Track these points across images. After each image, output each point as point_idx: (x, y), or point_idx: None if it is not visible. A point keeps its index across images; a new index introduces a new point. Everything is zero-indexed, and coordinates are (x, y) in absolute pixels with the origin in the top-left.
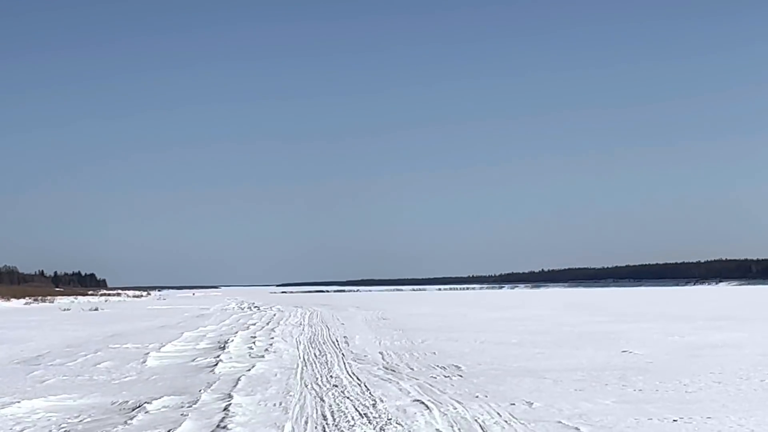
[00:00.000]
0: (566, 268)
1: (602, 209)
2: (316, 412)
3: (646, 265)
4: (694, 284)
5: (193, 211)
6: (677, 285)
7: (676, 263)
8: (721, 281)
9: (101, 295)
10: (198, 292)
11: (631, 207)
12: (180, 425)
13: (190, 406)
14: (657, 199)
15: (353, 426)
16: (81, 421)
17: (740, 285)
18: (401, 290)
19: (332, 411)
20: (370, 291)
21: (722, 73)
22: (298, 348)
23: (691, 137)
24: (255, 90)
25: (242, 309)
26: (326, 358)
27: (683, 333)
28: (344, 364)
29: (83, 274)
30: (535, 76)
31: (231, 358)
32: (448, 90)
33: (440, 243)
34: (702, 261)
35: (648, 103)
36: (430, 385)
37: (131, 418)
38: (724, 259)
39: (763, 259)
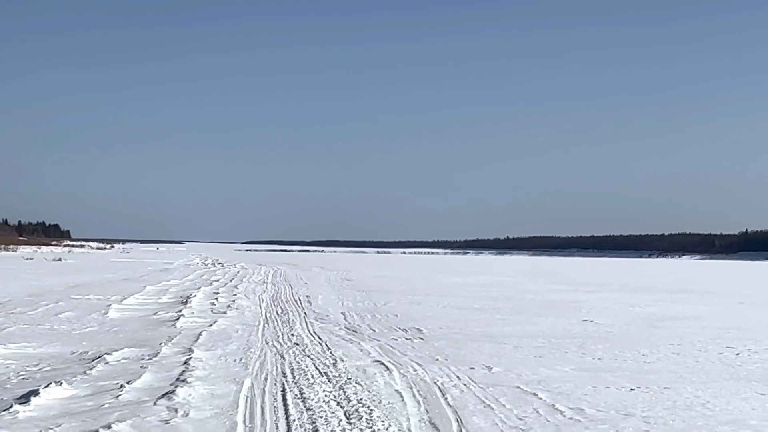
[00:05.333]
0: (531, 236)
1: (568, 179)
2: (276, 369)
3: (610, 236)
4: (657, 257)
5: (160, 165)
6: (640, 257)
7: (640, 235)
8: (684, 255)
9: (65, 245)
10: (162, 247)
11: (597, 178)
12: (139, 377)
13: (150, 359)
14: (623, 172)
15: (313, 384)
16: (40, 369)
17: (703, 259)
18: (365, 252)
19: (292, 369)
20: (334, 252)
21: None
22: (260, 305)
23: (661, 112)
24: (226, 50)
25: (206, 265)
26: (288, 316)
27: (644, 304)
28: (306, 323)
29: (47, 224)
30: (510, 50)
31: (193, 313)
32: (420, 61)
33: (406, 207)
34: (666, 234)
35: (617, 72)
36: (391, 347)
37: (91, 368)
38: (687, 232)
39: (726, 234)
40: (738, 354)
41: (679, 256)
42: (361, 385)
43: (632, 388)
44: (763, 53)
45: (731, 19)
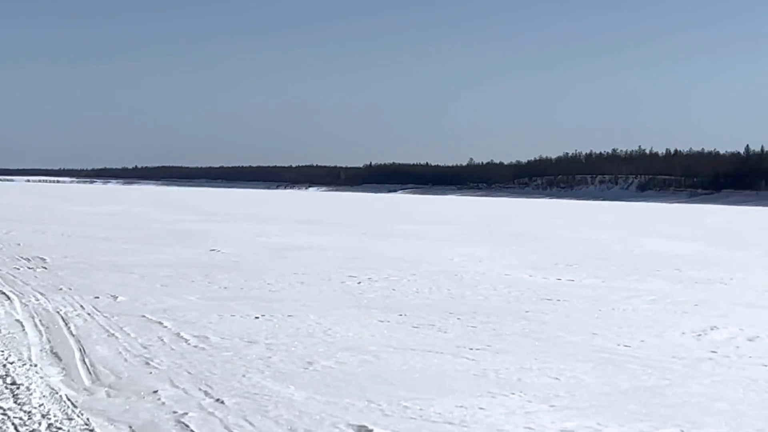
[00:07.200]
0: (160, 165)
1: (196, 107)
2: None
3: (239, 167)
4: (285, 188)
5: None
6: (269, 188)
7: (269, 167)
8: (311, 186)
9: None
10: None
11: (225, 108)
12: None
13: None
14: (248, 102)
15: None
16: None
17: (329, 191)
18: None
19: None
20: None
21: None
22: None
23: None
24: None
25: None
26: None
27: (271, 234)
28: None
29: None
30: None
31: None
32: None
33: (13, 130)
34: (294, 166)
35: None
36: (13, 276)
37: None
38: (315, 165)
39: (350, 167)
40: (359, 283)
41: (306, 188)
42: None
43: (257, 316)
44: None
45: None
